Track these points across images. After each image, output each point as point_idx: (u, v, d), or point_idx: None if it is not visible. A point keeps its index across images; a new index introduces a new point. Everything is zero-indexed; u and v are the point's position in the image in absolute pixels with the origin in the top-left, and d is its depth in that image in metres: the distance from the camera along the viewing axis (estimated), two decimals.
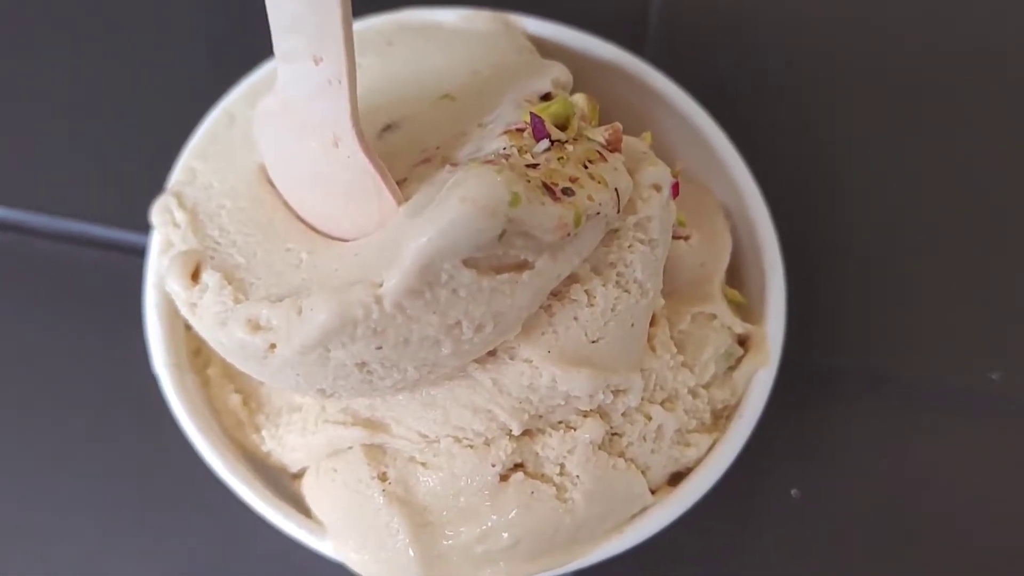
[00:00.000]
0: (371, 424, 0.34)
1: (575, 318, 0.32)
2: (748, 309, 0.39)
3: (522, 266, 0.30)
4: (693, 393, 0.37)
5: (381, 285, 0.29)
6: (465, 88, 0.37)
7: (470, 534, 0.33)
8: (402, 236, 0.29)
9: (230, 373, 0.38)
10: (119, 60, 0.53)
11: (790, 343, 0.42)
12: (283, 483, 0.37)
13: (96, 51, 0.53)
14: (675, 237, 0.39)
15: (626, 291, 0.33)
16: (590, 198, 0.30)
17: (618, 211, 0.32)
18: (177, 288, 0.33)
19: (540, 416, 0.33)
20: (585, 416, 0.33)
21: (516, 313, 0.30)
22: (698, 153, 0.41)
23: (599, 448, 0.34)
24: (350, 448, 0.34)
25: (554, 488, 0.33)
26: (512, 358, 0.32)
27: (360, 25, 0.42)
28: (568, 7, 0.46)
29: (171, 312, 0.37)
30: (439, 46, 0.40)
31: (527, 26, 0.42)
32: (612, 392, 0.33)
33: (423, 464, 0.33)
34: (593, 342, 0.32)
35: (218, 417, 0.37)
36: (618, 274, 0.33)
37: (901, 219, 0.51)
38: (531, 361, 0.32)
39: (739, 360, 0.38)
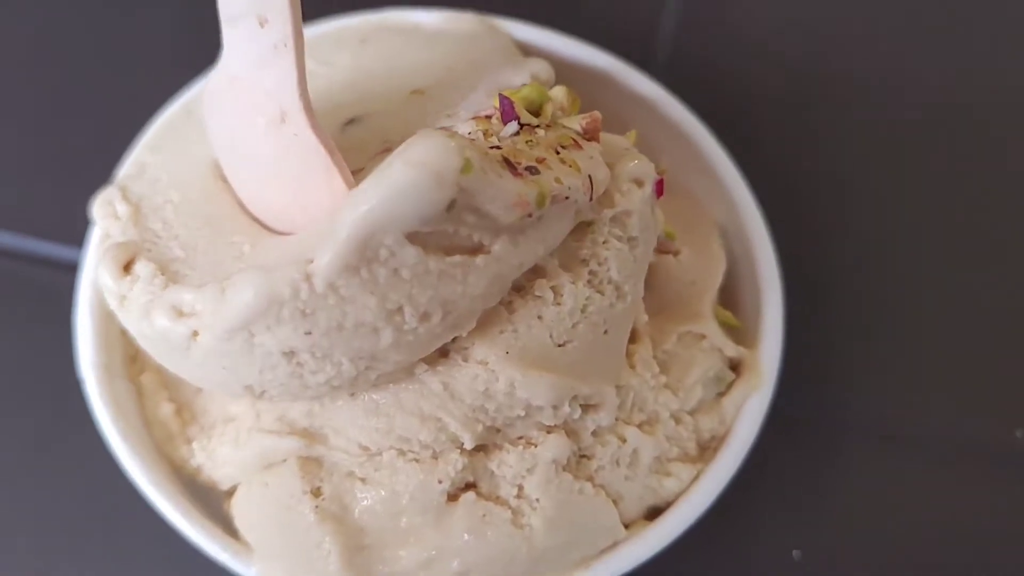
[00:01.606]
0: (308, 435, 0.30)
1: (539, 317, 0.28)
2: (743, 333, 0.36)
3: (476, 249, 0.27)
4: (676, 418, 0.33)
5: (312, 262, 0.25)
6: (437, 83, 0.35)
7: (411, 560, 0.29)
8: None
9: (165, 381, 0.34)
10: (60, 58, 0.51)
11: (792, 389, 0.39)
12: (214, 504, 0.33)
13: (35, 47, 0.51)
14: (663, 251, 0.36)
15: (599, 292, 0.29)
16: (558, 180, 0.27)
17: (591, 199, 0.28)
18: (107, 279, 0.30)
19: (497, 430, 0.29)
20: (548, 432, 0.29)
21: (469, 304, 0.27)
22: (694, 168, 0.38)
23: (564, 470, 0.30)
24: (284, 462, 0.30)
25: (509, 512, 0.29)
26: (466, 360, 0.29)
27: (336, 24, 0.39)
28: (575, 23, 0.43)
29: (106, 313, 0.34)
30: (416, 44, 0.37)
31: (513, 31, 0.39)
32: (581, 406, 0.29)
33: (362, 480, 0.29)
34: (559, 346, 0.29)
35: (148, 429, 0.33)
36: (591, 272, 0.29)
37: (914, 255, 0.48)
38: (487, 363, 0.28)
39: (730, 386, 0.34)
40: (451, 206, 0.25)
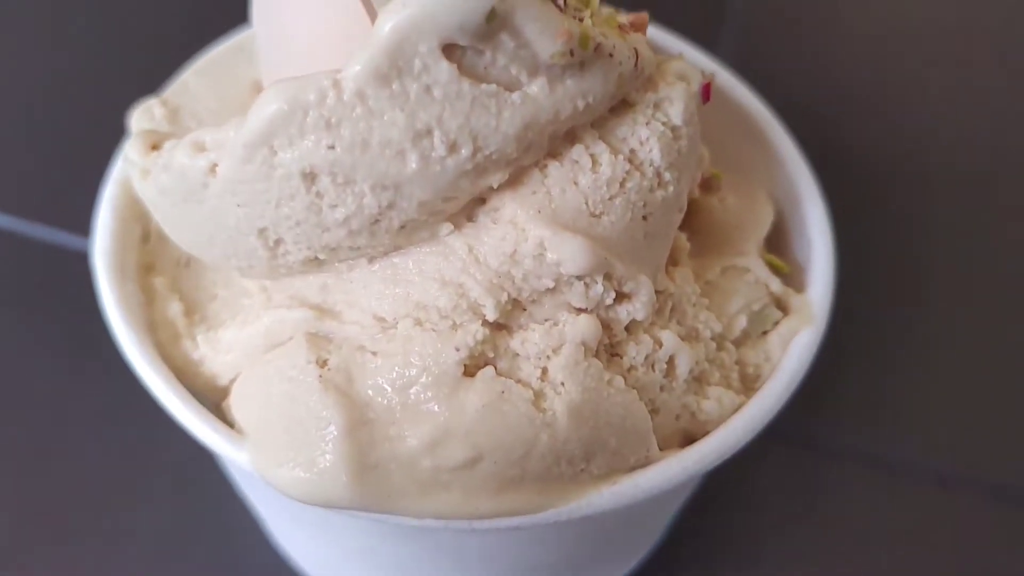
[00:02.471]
0: (320, 309, 0.28)
1: (575, 182, 0.27)
2: (790, 280, 0.33)
3: (513, 85, 0.25)
4: (718, 343, 0.30)
5: (342, 71, 0.24)
6: None
7: (417, 440, 0.26)
8: None
9: (178, 286, 0.32)
10: (75, 55, 0.52)
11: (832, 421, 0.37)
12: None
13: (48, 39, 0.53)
14: (708, 191, 0.34)
15: (639, 170, 0.27)
16: (603, 35, 0.26)
17: (635, 66, 0.27)
18: (134, 155, 0.30)
19: (523, 309, 0.27)
20: (578, 314, 0.27)
21: (501, 143, 0.25)
22: (742, 136, 0.37)
23: (594, 357, 0.27)
24: (291, 339, 0.28)
25: (531, 392, 0.26)
26: (495, 223, 0.27)
27: None
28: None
29: (126, 213, 0.33)
30: None
31: None
32: (614, 291, 0.27)
33: (373, 353, 0.27)
34: (594, 216, 0.27)
35: (153, 332, 0.31)
36: (631, 150, 0.28)
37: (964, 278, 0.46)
38: (516, 222, 0.26)
39: (776, 325, 0.31)
40: (491, 16, 0.24)
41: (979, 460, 0.43)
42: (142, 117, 0.33)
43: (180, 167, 0.27)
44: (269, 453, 0.27)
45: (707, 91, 0.30)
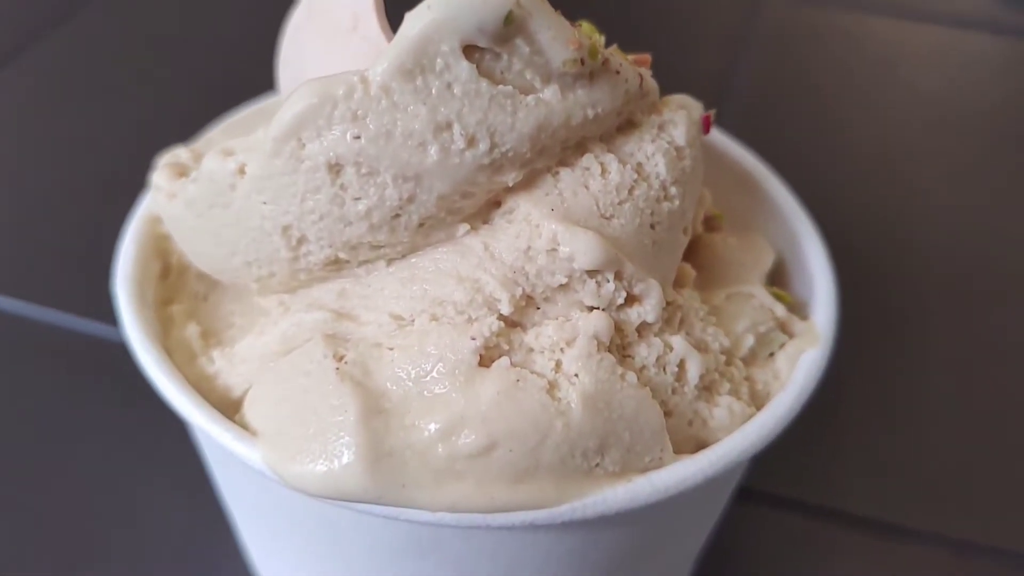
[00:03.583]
0: (337, 313, 0.29)
1: (585, 186, 0.28)
2: (795, 312, 0.34)
3: (527, 89, 0.27)
4: (727, 357, 0.31)
5: (369, 70, 0.26)
6: None
7: (432, 427, 0.26)
8: None
9: (195, 312, 0.33)
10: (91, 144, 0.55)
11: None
12: None
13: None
14: (711, 229, 0.35)
15: (646, 181, 0.29)
16: (611, 54, 0.29)
17: (640, 87, 0.29)
18: (161, 181, 0.31)
19: (537, 307, 0.28)
20: (590, 311, 0.28)
21: (515, 141, 0.27)
22: (748, 201, 0.39)
23: (607, 351, 0.27)
24: (308, 341, 0.29)
25: (546, 382, 0.27)
26: (510, 223, 0.28)
27: None
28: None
29: (148, 247, 0.34)
30: None
31: None
32: (625, 291, 0.28)
33: (390, 348, 0.27)
34: (604, 217, 0.28)
35: (171, 354, 0.32)
36: (638, 163, 0.29)
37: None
38: (530, 219, 0.27)
39: (783, 347, 0.32)
40: (508, 19, 0.26)
41: (989, 525, 0.42)
42: (168, 160, 0.35)
43: (209, 171, 0.28)
44: (282, 447, 0.27)
45: (707, 122, 0.32)
